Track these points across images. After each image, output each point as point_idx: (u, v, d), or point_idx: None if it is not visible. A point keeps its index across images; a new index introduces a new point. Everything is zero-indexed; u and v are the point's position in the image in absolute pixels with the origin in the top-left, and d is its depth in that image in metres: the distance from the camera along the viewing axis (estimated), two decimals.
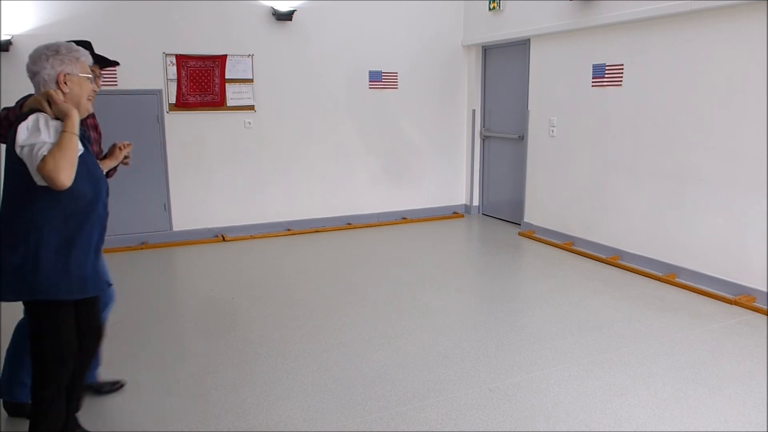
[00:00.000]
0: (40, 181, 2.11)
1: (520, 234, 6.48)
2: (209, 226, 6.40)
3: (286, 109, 6.53)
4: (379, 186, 7.12)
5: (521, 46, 6.54)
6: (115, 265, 5.47)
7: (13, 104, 2.77)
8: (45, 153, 2.07)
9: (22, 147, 2.11)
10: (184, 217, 6.28)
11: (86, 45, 2.69)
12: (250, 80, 6.29)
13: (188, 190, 6.25)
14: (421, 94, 7.19)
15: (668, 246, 4.94)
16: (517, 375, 3.27)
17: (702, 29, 4.51)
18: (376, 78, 6.89)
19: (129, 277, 5.12)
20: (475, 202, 7.60)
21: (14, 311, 2.94)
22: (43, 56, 2.26)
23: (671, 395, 3.04)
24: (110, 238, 5.96)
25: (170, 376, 3.31)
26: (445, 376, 3.27)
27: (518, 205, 6.81)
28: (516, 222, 6.90)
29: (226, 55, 6.15)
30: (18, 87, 5.46)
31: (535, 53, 6.27)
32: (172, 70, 5.98)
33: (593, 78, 5.55)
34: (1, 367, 2.87)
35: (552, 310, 4.25)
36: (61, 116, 2.18)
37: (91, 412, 2.93)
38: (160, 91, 6.00)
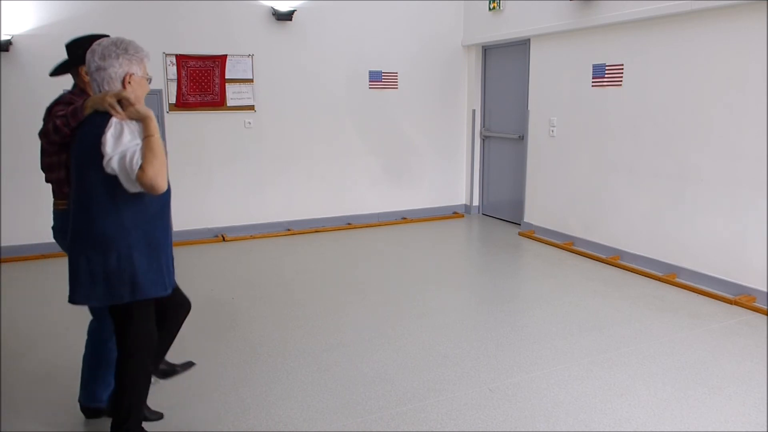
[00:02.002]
0: (130, 187, 2.14)
1: (520, 234, 6.48)
2: (209, 226, 6.40)
3: (286, 109, 6.53)
4: (379, 186, 7.12)
5: (521, 46, 6.54)
6: None
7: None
8: (139, 161, 2.08)
9: (111, 158, 2.11)
10: (184, 217, 6.28)
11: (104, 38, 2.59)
12: (250, 80, 6.29)
13: (188, 190, 6.24)
14: (421, 94, 7.19)
15: (668, 246, 4.94)
16: (517, 375, 3.27)
17: (702, 29, 4.51)
18: (376, 78, 6.89)
19: None
20: (475, 202, 7.60)
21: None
22: (113, 53, 2.24)
23: (671, 395, 3.04)
24: None
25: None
26: (445, 376, 3.27)
27: (518, 205, 6.81)
28: (516, 222, 6.90)
29: (226, 55, 6.15)
30: (18, 87, 5.49)
31: (535, 53, 6.27)
32: (172, 70, 5.98)
33: (593, 78, 5.55)
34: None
35: (552, 310, 4.25)
36: (137, 118, 2.19)
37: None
38: (160, 91, 5.99)
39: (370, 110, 6.93)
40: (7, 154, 5.55)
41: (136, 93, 2.27)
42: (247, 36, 6.23)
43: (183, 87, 6.04)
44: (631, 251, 5.27)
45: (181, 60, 5.99)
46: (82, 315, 4.24)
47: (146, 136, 2.15)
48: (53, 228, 2.70)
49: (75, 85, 2.71)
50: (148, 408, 2.74)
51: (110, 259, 2.22)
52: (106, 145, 2.12)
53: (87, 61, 2.28)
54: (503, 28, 6.56)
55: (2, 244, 5.62)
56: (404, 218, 7.24)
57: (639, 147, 5.14)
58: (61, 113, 2.31)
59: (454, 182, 7.59)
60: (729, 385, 3.14)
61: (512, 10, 6.41)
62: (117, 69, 2.24)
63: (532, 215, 6.53)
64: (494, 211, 7.40)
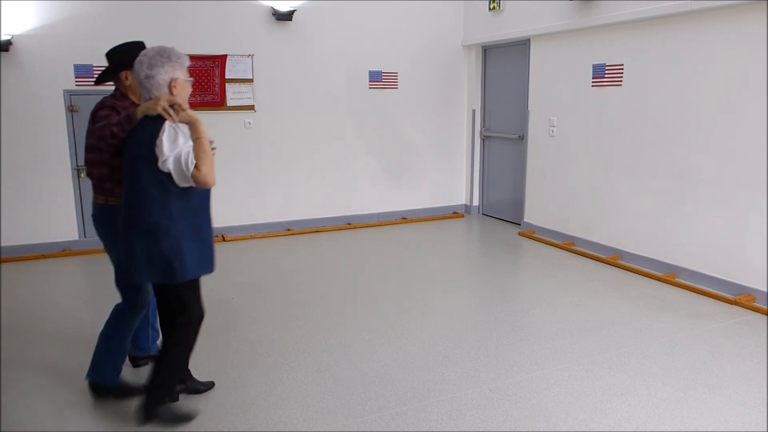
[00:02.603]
0: (182, 183, 2.44)
1: (520, 234, 6.48)
2: None
3: (286, 109, 6.53)
4: (379, 186, 7.12)
5: (521, 46, 6.54)
6: None
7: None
8: (194, 161, 2.40)
9: (167, 159, 2.40)
10: None
11: (140, 45, 2.86)
12: (250, 80, 6.29)
13: None
14: (421, 94, 7.19)
15: (668, 246, 4.94)
16: (517, 375, 3.28)
17: (702, 29, 4.51)
18: (376, 78, 6.89)
19: None
20: (475, 202, 7.60)
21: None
22: (159, 62, 2.50)
23: (671, 395, 3.04)
24: None
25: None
26: (445, 376, 3.27)
27: (518, 205, 6.81)
28: (516, 222, 6.90)
29: (226, 55, 6.15)
30: (18, 87, 5.49)
31: (535, 53, 6.27)
32: None
33: (593, 78, 5.55)
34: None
35: (552, 310, 4.25)
36: (188, 122, 2.47)
37: (93, 411, 2.94)
38: None
39: (370, 110, 6.93)
40: (7, 154, 5.55)
41: (181, 95, 2.56)
42: (247, 36, 6.23)
43: None
44: (631, 251, 5.27)
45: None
46: (82, 315, 4.25)
47: (196, 138, 2.46)
48: (92, 215, 3.00)
49: (116, 89, 2.93)
50: (198, 381, 3.07)
51: (162, 245, 2.50)
52: (163, 147, 2.40)
53: (136, 71, 2.52)
54: (503, 28, 6.56)
55: (2, 244, 5.62)
56: (404, 218, 7.24)
57: (639, 147, 5.14)
58: (116, 121, 2.54)
59: (454, 182, 7.59)
60: (729, 385, 3.14)
61: (512, 10, 6.41)
62: (163, 75, 2.50)
63: (532, 215, 6.53)
64: (494, 211, 7.40)
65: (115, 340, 2.98)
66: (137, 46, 2.82)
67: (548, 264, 5.41)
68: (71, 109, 5.71)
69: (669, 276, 4.83)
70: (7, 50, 5.37)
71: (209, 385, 3.14)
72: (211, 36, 6.09)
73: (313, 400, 3.04)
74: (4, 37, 5.30)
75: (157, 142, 2.41)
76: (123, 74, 2.87)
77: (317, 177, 6.79)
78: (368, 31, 6.75)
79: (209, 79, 6.13)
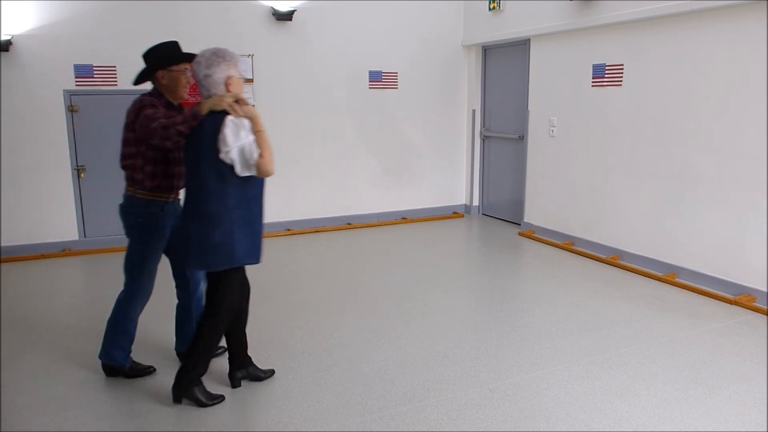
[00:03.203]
0: (244, 172, 2.62)
1: (520, 234, 6.48)
2: None
3: (286, 109, 6.52)
4: (379, 186, 7.12)
5: (521, 46, 6.54)
6: (115, 265, 5.48)
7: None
8: (257, 151, 2.59)
9: (230, 149, 2.58)
10: None
11: (174, 45, 3.06)
12: (250, 80, 6.29)
13: None
14: (421, 94, 7.19)
15: (668, 246, 4.94)
16: (517, 375, 3.28)
17: (702, 29, 4.51)
18: (376, 78, 6.89)
19: None
20: (475, 202, 7.60)
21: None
22: (215, 62, 2.69)
23: (671, 395, 3.04)
24: (110, 238, 6.00)
25: (170, 376, 3.30)
26: (445, 376, 3.27)
27: (518, 205, 6.81)
28: (516, 222, 6.90)
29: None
30: (18, 87, 5.49)
31: (535, 53, 6.27)
32: None
33: (593, 78, 5.55)
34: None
35: (552, 310, 4.25)
36: (250, 116, 2.65)
37: (95, 408, 2.94)
38: None
39: (370, 110, 6.93)
40: (7, 154, 5.55)
41: (236, 91, 2.73)
42: (247, 36, 6.23)
43: None
44: (631, 251, 5.27)
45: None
46: (82, 315, 4.25)
47: (257, 131, 2.64)
48: (120, 205, 3.09)
49: (154, 88, 3.06)
50: (258, 368, 3.21)
51: (216, 233, 2.67)
52: (227, 139, 2.58)
53: (195, 71, 2.71)
54: (503, 28, 6.56)
55: (2, 244, 5.62)
56: (404, 218, 7.24)
57: (639, 147, 5.14)
58: (180, 119, 2.67)
59: (454, 182, 7.59)
60: (729, 385, 3.14)
61: (512, 10, 6.41)
62: (220, 74, 2.69)
63: (532, 215, 6.53)
64: (494, 211, 7.40)
65: (121, 324, 3.16)
66: (171, 46, 3.01)
67: (548, 264, 5.41)
68: (71, 109, 5.71)
69: (669, 276, 4.83)
70: (7, 50, 5.37)
71: (269, 373, 3.24)
72: (211, 36, 6.08)
73: (313, 400, 3.04)
74: (4, 37, 5.31)
75: (220, 135, 2.59)
76: (159, 74, 3.00)
77: (317, 177, 6.79)
78: (368, 31, 6.75)
79: None
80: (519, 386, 3.15)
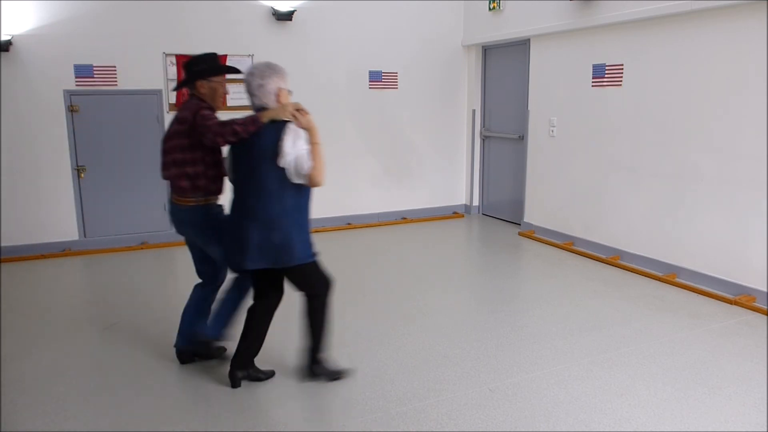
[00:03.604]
0: (295, 180, 2.81)
1: (520, 234, 6.48)
2: None
3: None
4: (379, 186, 7.12)
5: (521, 46, 6.54)
6: (115, 265, 5.49)
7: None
8: (310, 162, 2.77)
9: (288, 155, 2.76)
10: None
11: (214, 57, 3.24)
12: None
13: None
14: (421, 94, 7.19)
15: (668, 246, 4.94)
16: (517, 375, 3.28)
17: (702, 29, 4.51)
18: (376, 78, 6.89)
19: (129, 277, 5.12)
20: (475, 202, 7.60)
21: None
22: (268, 73, 2.87)
23: (671, 395, 3.04)
24: (110, 238, 6.00)
25: (170, 377, 3.31)
26: (445, 376, 3.27)
27: (518, 205, 6.81)
28: (516, 222, 6.90)
29: (226, 55, 6.15)
30: (18, 87, 5.49)
31: (535, 53, 6.27)
32: (172, 70, 5.98)
33: (593, 78, 5.55)
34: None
35: (552, 310, 4.25)
36: (308, 128, 2.83)
37: (95, 408, 2.94)
38: (160, 91, 6.00)
39: (370, 110, 6.93)
40: (7, 154, 5.55)
41: (283, 101, 2.90)
42: (247, 36, 6.23)
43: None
44: (631, 251, 5.27)
45: (182, 60, 5.99)
46: (82, 315, 4.25)
47: (313, 143, 2.83)
48: (171, 213, 3.25)
49: (192, 95, 3.18)
50: (259, 369, 3.23)
51: (276, 234, 2.85)
52: (285, 146, 2.76)
53: (248, 81, 2.88)
54: (503, 28, 6.56)
55: (2, 244, 5.63)
56: (404, 218, 7.24)
57: (639, 147, 5.14)
58: (240, 121, 2.80)
59: (454, 182, 7.59)
60: (729, 385, 3.14)
61: (512, 10, 6.41)
62: (272, 85, 2.87)
63: (532, 215, 6.53)
64: (494, 211, 7.40)
65: (196, 311, 3.37)
66: (212, 58, 3.21)
67: (548, 264, 5.40)
68: (71, 109, 5.71)
69: (669, 276, 4.83)
70: (7, 50, 5.37)
71: (270, 374, 3.27)
72: (211, 36, 6.09)
73: (313, 400, 3.04)
74: (4, 37, 5.31)
75: (280, 142, 2.76)
76: (199, 83, 3.14)
77: None
78: (368, 31, 6.75)
79: None
80: (519, 386, 3.15)
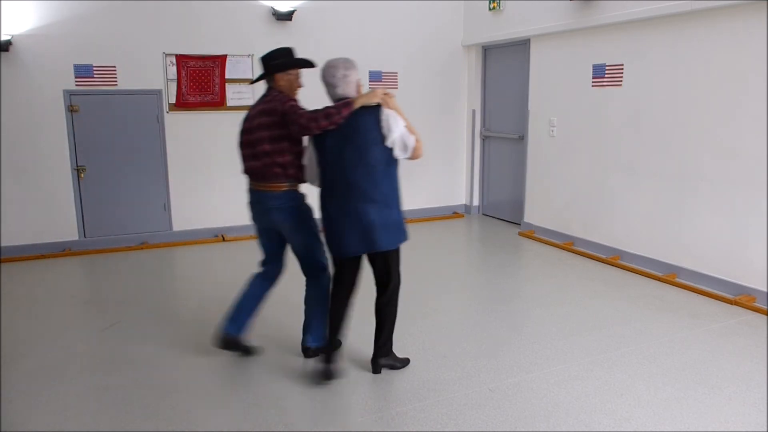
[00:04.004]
0: (401, 156, 3.02)
1: (520, 234, 6.48)
2: (209, 226, 6.39)
3: None
4: None
5: (521, 46, 6.54)
6: (115, 265, 5.49)
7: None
8: (412, 137, 3.00)
9: (392, 134, 2.94)
10: (184, 217, 6.28)
11: (290, 51, 3.37)
12: (250, 80, 6.29)
13: (188, 190, 6.25)
14: (421, 94, 7.18)
15: (668, 246, 4.94)
16: (517, 375, 3.28)
17: (702, 29, 4.51)
18: (376, 78, 6.88)
19: (129, 277, 5.12)
20: (475, 202, 7.60)
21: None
22: (349, 66, 3.11)
23: (671, 395, 3.04)
24: (110, 238, 6.00)
25: (170, 377, 3.31)
26: (445, 376, 3.27)
27: (518, 205, 6.81)
28: (516, 222, 6.90)
29: (226, 55, 6.15)
30: (18, 87, 5.49)
31: (535, 53, 6.27)
32: (172, 70, 5.98)
33: (593, 78, 5.55)
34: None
35: (552, 310, 4.25)
36: (394, 109, 3.00)
37: (96, 408, 2.93)
38: (160, 91, 6.00)
39: None
40: (7, 154, 5.55)
41: (360, 92, 3.10)
42: (247, 36, 6.23)
43: (183, 87, 6.05)
44: (631, 251, 5.26)
45: (181, 60, 5.99)
46: (82, 315, 4.25)
47: (404, 125, 3.00)
48: (250, 203, 3.41)
49: (270, 88, 3.30)
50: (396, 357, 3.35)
51: (393, 211, 3.04)
52: (391, 126, 2.94)
53: (331, 74, 3.07)
54: (503, 28, 6.56)
55: (2, 244, 5.63)
56: (404, 218, 7.22)
57: (639, 147, 5.14)
58: (334, 109, 2.92)
59: (454, 182, 7.59)
60: (729, 385, 3.14)
61: (512, 10, 6.41)
62: (353, 77, 3.10)
63: (532, 215, 6.53)
64: (494, 211, 7.40)
65: (251, 300, 3.44)
66: (289, 52, 3.35)
67: (548, 264, 5.40)
68: (71, 109, 5.71)
69: (669, 276, 4.83)
70: (7, 50, 5.37)
71: (405, 362, 3.38)
72: (211, 36, 6.09)
73: (314, 400, 3.04)
74: (4, 37, 5.31)
75: (384, 124, 2.93)
76: (278, 76, 3.26)
77: None
78: (368, 31, 6.75)
79: (209, 79, 6.13)
80: (519, 386, 3.15)
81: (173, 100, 6.04)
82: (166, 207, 6.20)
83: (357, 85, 3.10)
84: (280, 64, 3.25)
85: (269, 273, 3.49)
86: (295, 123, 3.01)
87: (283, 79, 3.26)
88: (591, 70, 5.56)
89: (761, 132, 4.16)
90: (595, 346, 3.64)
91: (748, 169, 4.27)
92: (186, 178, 6.22)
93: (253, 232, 6.44)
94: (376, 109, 2.97)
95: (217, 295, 4.63)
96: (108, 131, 5.88)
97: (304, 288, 3.46)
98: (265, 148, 3.17)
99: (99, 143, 5.85)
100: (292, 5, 6.25)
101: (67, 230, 5.88)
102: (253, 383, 3.22)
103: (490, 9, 6.68)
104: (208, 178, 6.31)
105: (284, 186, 3.20)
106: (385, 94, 2.99)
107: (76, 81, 5.68)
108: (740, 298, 4.30)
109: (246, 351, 3.51)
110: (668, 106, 4.84)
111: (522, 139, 6.66)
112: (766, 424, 2.80)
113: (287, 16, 6.24)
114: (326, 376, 3.14)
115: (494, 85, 7.17)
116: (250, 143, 3.25)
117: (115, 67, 5.79)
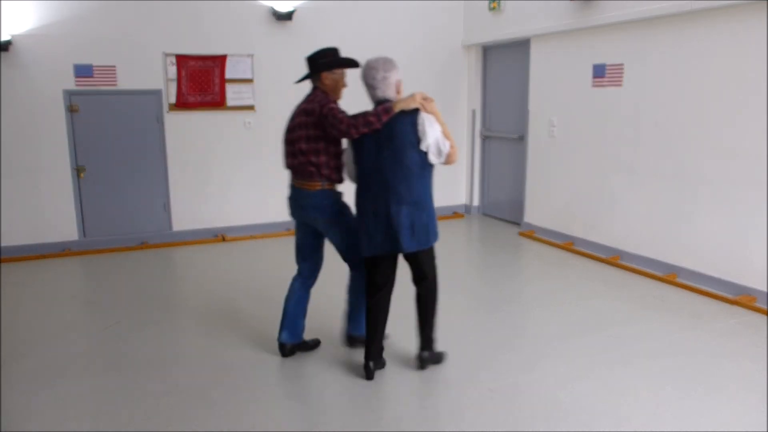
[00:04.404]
0: (435, 160, 3.05)
1: (520, 234, 6.48)
2: (209, 226, 6.40)
3: (286, 109, 6.43)
4: None
5: (521, 46, 6.54)
6: (115, 265, 5.49)
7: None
8: (447, 142, 3.02)
9: (428, 138, 2.98)
10: (184, 217, 6.28)
11: (336, 51, 3.46)
12: (250, 80, 6.29)
13: (188, 190, 6.25)
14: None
15: (668, 246, 4.93)
16: (517, 375, 3.27)
17: (702, 29, 4.51)
18: None
19: (129, 277, 5.12)
20: (476, 202, 7.60)
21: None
22: (389, 67, 3.16)
23: (671, 395, 3.04)
24: (110, 238, 6.00)
25: (170, 377, 3.31)
26: (445, 376, 3.27)
27: (518, 205, 6.80)
28: (516, 222, 6.90)
29: (226, 55, 6.15)
30: (18, 87, 5.49)
31: (535, 53, 6.26)
32: (172, 70, 5.98)
33: (593, 78, 5.55)
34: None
35: (552, 310, 4.24)
36: (433, 113, 3.04)
37: (95, 407, 2.94)
38: (160, 91, 6.00)
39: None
40: (7, 154, 5.55)
41: (401, 92, 3.17)
42: (247, 36, 6.23)
43: (183, 87, 6.05)
44: (631, 251, 5.26)
45: (181, 60, 5.99)
46: (82, 315, 4.25)
47: (441, 125, 3.04)
48: (289, 198, 3.48)
49: (316, 88, 3.38)
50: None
51: (423, 214, 3.07)
52: (426, 131, 2.97)
53: (371, 75, 3.14)
54: (503, 28, 6.56)
55: (2, 244, 5.63)
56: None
57: (639, 147, 5.14)
58: (374, 112, 3.00)
59: (454, 182, 7.59)
60: (729, 385, 3.14)
61: (512, 10, 6.41)
62: (393, 77, 3.15)
63: (532, 215, 6.53)
64: (494, 211, 7.40)
65: (299, 306, 3.52)
66: (334, 52, 3.44)
67: (548, 264, 5.40)
68: (71, 109, 5.71)
69: (669, 276, 4.83)
70: (7, 50, 5.37)
71: (441, 357, 3.43)
72: (211, 36, 6.09)
73: (314, 400, 3.03)
74: (4, 37, 5.31)
75: (420, 128, 2.97)
76: (323, 75, 3.35)
77: None
78: (368, 31, 6.75)
79: (209, 79, 6.13)
80: (519, 386, 3.15)
81: (173, 100, 6.04)
82: (166, 207, 6.20)
83: (397, 86, 3.14)
84: (327, 63, 3.34)
85: (305, 273, 3.55)
86: (335, 128, 3.08)
87: (328, 78, 3.34)
88: (591, 70, 5.56)
89: (761, 132, 4.16)
90: (595, 346, 3.64)
91: (748, 169, 4.27)
92: (186, 178, 6.22)
93: (253, 232, 6.53)
94: (413, 113, 3.02)
95: (217, 295, 4.63)
96: (108, 131, 5.88)
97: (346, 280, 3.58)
98: (302, 146, 3.24)
99: (99, 143, 5.85)
100: (292, 5, 6.25)
101: (67, 230, 5.88)
102: (254, 383, 3.21)
103: (490, 9, 6.68)
104: (208, 178, 6.31)
105: (318, 185, 3.27)
106: (424, 98, 3.03)
107: (76, 81, 5.68)
108: (740, 298, 4.30)
109: (311, 347, 3.59)
110: (668, 106, 4.84)
111: (522, 139, 6.66)
112: (766, 424, 2.79)
113: (287, 16, 6.24)
114: (367, 375, 3.22)
115: (494, 85, 7.17)
116: (290, 141, 3.32)
117: (115, 67, 5.79)
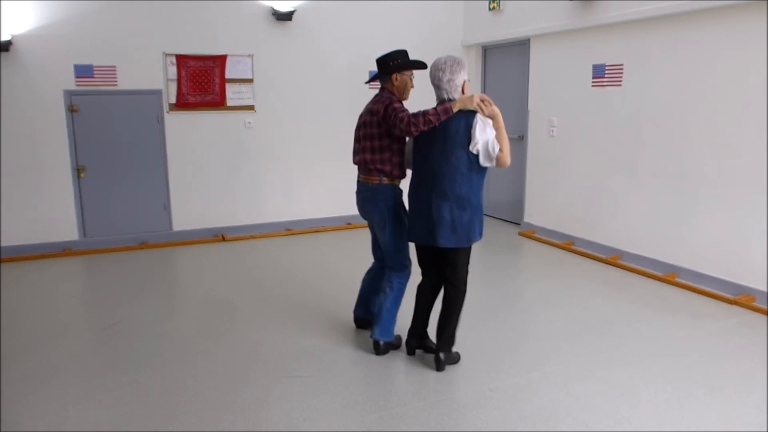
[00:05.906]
0: (485, 163, 3.08)
1: (520, 234, 6.48)
2: (209, 226, 6.40)
3: (286, 109, 6.52)
4: None
5: (521, 46, 6.54)
6: (115, 265, 5.49)
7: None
8: (497, 145, 3.03)
9: (478, 142, 3.03)
10: (184, 217, 6.28)
11: (405, 53, 3.54)
12: (250, 80, 6.29)
13: (188, 190, 6.25)
14: (421, 93, 7.16)
15: (668, 246, 4.94)
16: (517, 375, 3.27)
17: (702, 29, 4.51)
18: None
19: (129, 277, 5.12)
20: None
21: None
22: (457, 68, 3.16)
23: (671, 395, 3.04)
24: (110, 238, 6.00)
25: (170, 376, 3.31)
26: (445, 376, 3.27)
27: (518, 205, 6.80)
28: (516, 222, 6.90)
29: (226, 55, 6.15)
30: (18, 87, 5.49)
31: (535, 53, 6.27)
32: (172, 70, 5.98)
33: (593, 78, 5.55)
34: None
35: (552, 310, 4.24)
36: (492, 115, 3.07)
37: (96, 408, 2.94)
38: (160, 91, 6.00)
39: None
40: (7, 154, 5.55)
41: (466, 92, 3.21)
42: (247, 36, 6.23)
43: (183, 87, 6.04)
44: (631, 251, 5.27)
45: (181, 60, 5.99)
46: (82, 315, 4.26)
47: (498, 128, 3.07)
48: (356, 192, 3.63)
49: (384, 88, 3.47)
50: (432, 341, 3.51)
51: (465, 213, 3.13)
52: (476, 133, 3.03)
53: (438, 76, 3.16)
54: (503, 28, 6.56)
55: (2, 244, 5.63)
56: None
57: (639, 147, 5.14)
58: (432, 111, 3.07)
59: None
60: (729, 385, 3.14)
61: (512, 10, 6.41)
62: (459, 78, 3.16)
63: (532, 215, 6.53)
64: (494, 211, 7.40)
65: (373, 286, 3.75)
66: (404, 54, 3.53)
67: (548, 264, 5.40)
68: (71, 109, 5.71)
69: (669, 276, 4.83)
70: (7, 50, 5.37)
71: (456, 357, 3.48)
72: (211, 36, 6.09)
73: (313, 400, 3.04)
74: (4, 37, 5.31)
75: (471, 130, 3.03)
76: (394, 76, 3.43)
77: (317, 177, 6.78)
78: (368, 31, 6.75)
79: (209, 79, 6.13)
80: (519, 386, 3.15)
81: (173, 100, 6.04)
82: (166, 207, 6.20)
83: (463, 86, 3.19)
84: (399, 65, 3.43)
85: (379, 260, 3.76)
86: (397, 126, 3.19)
87: (398, 79, 3.43)
88: (591, 70, 5.57)
89: (761, 132, 4.16)
90: (595, 346, 3.64)
91: (748, 170, 4.27)
92: (186, 178, 6.22)
93: (253, 232, 6.53)
94: (470, 113, 3.07)
95: (217, 295, 4.63)
96: (108, 131, 5.88)
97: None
98: (365, 144, 3.41)
99: (99, 143, 5.85)
100: (292, 5, 6.25)
101: (67, 230, 5.88)
102: (254, 384, 3.21)
103: (490, 9, 6.68)
104: (208, 178, 6.31)
105: (376, 180, 3.41)
106: (482, 100, 3.07)
107: (76, 81, 5.68)
108: (740, 298, 4.30)
109: (396, 346, 3.62)
110: (668, 106, 4.84)
111: (522, 139, 6.66)
112: (766, 424, 2.80)
113: (287, 16, 6.24)
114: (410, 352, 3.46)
115: (494, 85, 7.17)
116: (357, 138, 3.50)
117: (115, 67, 5.79)
